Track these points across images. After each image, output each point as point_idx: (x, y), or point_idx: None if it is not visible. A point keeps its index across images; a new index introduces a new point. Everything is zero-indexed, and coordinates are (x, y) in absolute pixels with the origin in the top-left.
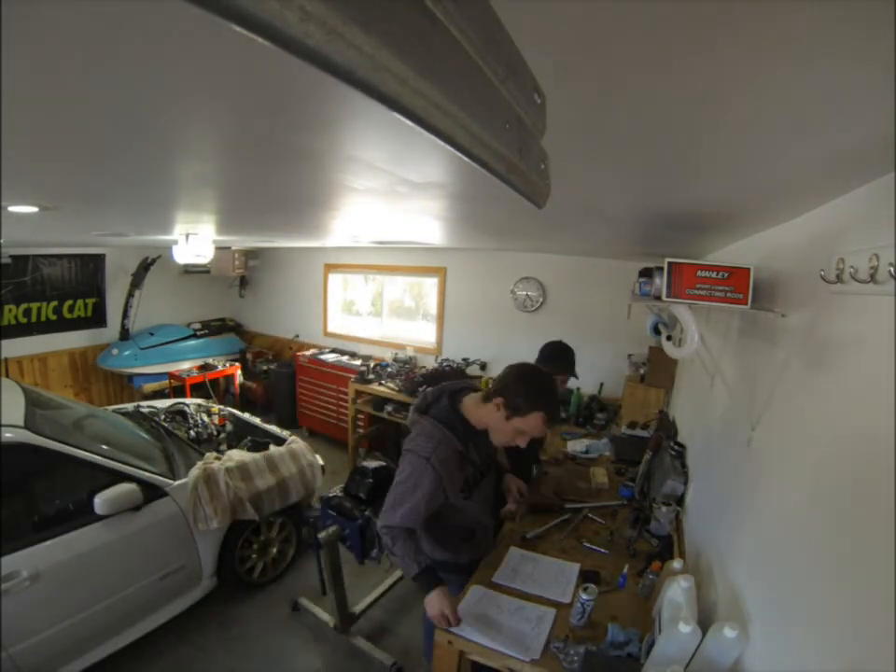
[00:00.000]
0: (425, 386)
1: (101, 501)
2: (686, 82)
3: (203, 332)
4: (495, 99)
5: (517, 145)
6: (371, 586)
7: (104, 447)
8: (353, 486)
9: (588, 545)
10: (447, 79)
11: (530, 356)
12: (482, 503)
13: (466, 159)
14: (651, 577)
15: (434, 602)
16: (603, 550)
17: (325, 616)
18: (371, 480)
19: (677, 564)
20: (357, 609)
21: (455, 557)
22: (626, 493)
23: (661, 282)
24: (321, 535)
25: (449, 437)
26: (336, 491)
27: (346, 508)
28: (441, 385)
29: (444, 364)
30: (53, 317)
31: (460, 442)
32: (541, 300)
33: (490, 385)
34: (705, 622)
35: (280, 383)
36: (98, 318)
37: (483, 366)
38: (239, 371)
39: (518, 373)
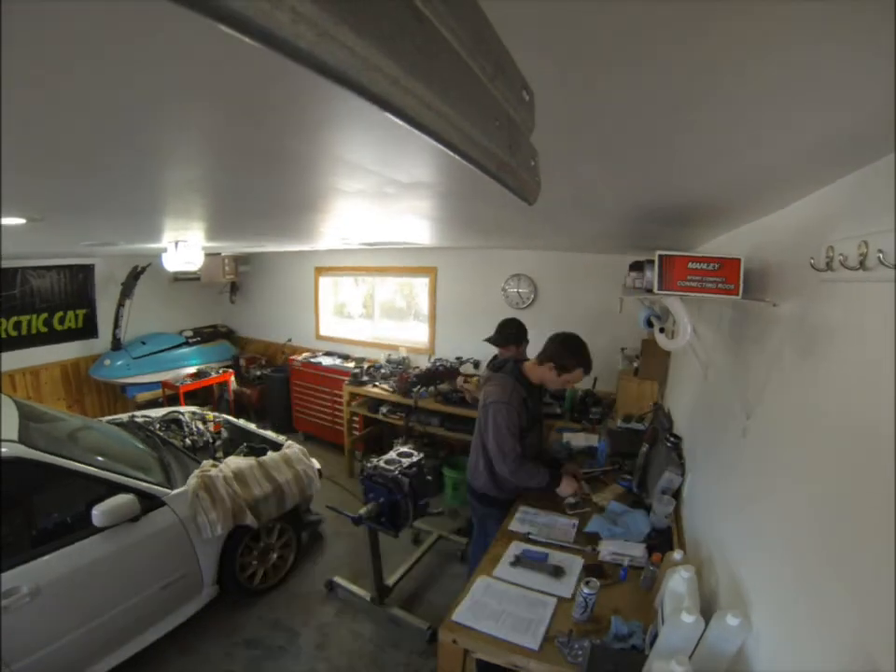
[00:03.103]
0: (419, 387)
1: (99, 513)
2: (671, 75)
3: (195, 340)
4: (484, 97)
5: (507, 142)
6: (398, 562)
7: (99, 459)
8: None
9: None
10: (437, 78)
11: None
12: (531, 449)
13: (456, 157)
14: (651, 569)
15: (567, 485)
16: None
17: (361, 592)
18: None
19: (677, 555)
20: (390, 581)
21: (505, 493)
22: (625, 484)
23: (652, 275)
24: (362, 511)
25: (518, 385)
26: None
27: (390, 476)
28: (505, 357)
29: (438, 364)
30: (44, 329)
31: (524, 389)
32: (532, 296)
33: (540, 351)
34: (707, 611)
35: (274, 388)
36: (89, 329)
37: (477, 364)
38: (233, 378)
39: (562, 343)
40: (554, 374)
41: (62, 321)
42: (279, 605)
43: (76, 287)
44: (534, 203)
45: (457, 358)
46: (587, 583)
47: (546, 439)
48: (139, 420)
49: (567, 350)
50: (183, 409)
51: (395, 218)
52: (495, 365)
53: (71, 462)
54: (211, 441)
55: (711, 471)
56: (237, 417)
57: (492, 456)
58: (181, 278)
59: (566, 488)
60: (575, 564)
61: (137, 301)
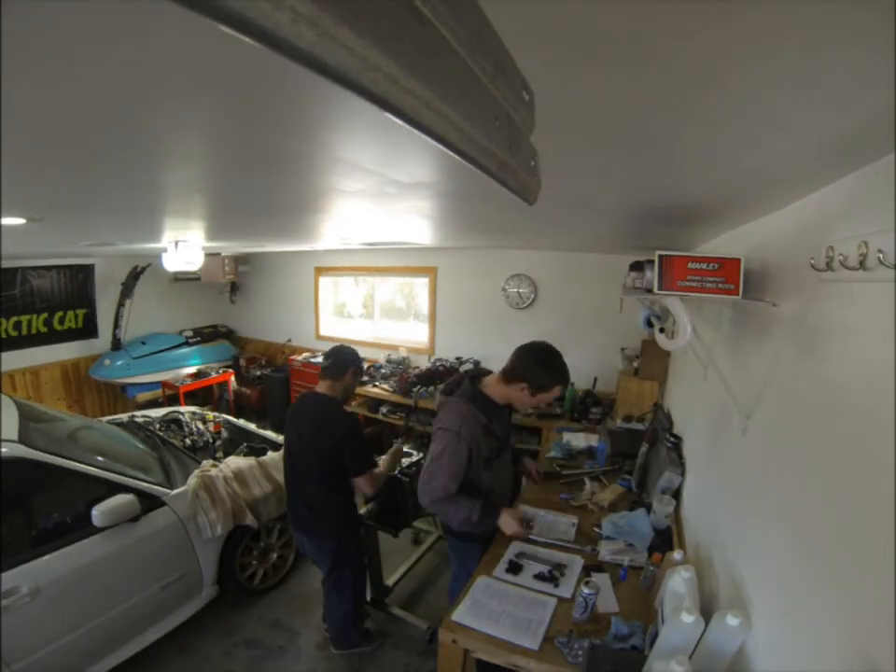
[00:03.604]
0: (419, 387)
1: (99, 513)
2: (671, 76)
3: (195, 340)
4: (484, 97)
5: (507, 142)
6: (398, 562)
7: (99, 459)
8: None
9: (597, 530)
10: (437, 78)
11: None
12: (500, 475)
13: (457, 157)
14: (651, 569)
15: (508, 521)
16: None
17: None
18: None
19: (677, 555)
20: (390, 581)
21: (475, 527)
22: (625, 484)
23: (652, 275)
24: (362, 511)
25: (475, 410)
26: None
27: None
28: (460, 373)
29: (437, 364)
30: (44, 329)
31: (484, 416)
32: (532, 296)
33: (507, 367)
34: (707, 611)
35: (274, 388)
36: (89, 329)
37: (477, 364)
38: (233, 378)
39: (536, 358)
40: (527, 395)
41: (62, 321)
42: (279, 605)
43: (76, 286)
44: (534, 203)
45: (457, 358)
46: (587, 583)
47: (519, 461)
48: (139, 420)
49: (543, 366)
50: (183, 409)
51: (395, 218)
52: (448, 387)
53: (71, 462)
54: (211, 440)
55: (711, 471)
56: (237, 417)
57: (419, 482)
58: (181, 278)
59: (506, 524)
60: (575, 564)
61: (137, 300)
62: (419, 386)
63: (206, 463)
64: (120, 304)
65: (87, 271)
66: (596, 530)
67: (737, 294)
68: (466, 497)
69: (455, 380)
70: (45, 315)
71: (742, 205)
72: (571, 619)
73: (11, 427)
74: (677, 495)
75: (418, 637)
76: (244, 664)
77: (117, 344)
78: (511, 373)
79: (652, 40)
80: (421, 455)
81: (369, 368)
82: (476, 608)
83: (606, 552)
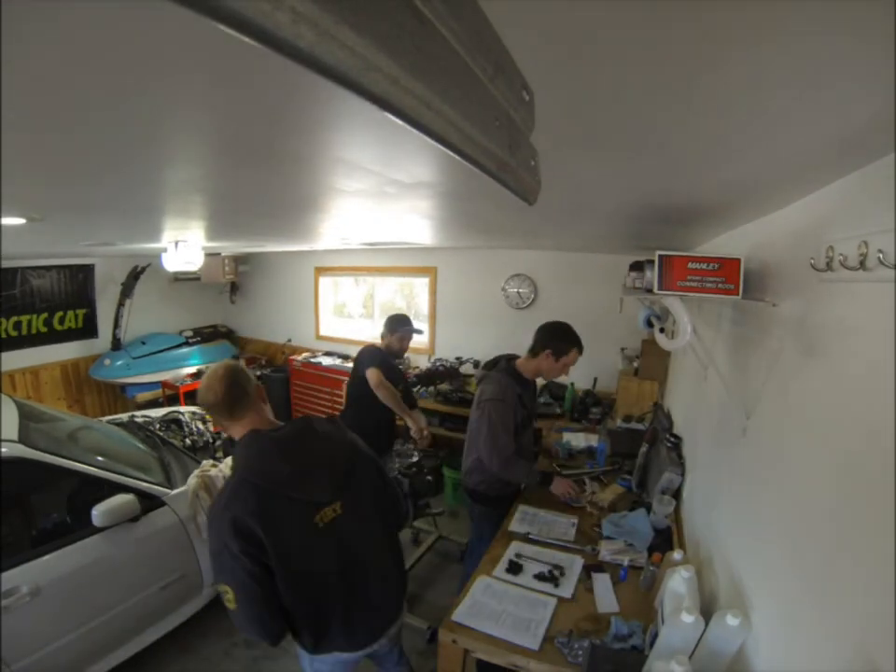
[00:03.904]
0: (419, 387)
1: (99, 513)
2: (671, 75)
3: (195, 340)
4: (484, 97)
5: (507, 142)
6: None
7: (99, 459)
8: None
9: (597, 530)
10: (437, 78)
11: (522, 352)
12: (525, 446)
13: (457, 157)
14: (651, 569)
15: (560, 485)
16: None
17: None
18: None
19: (677, 555)
20: None
21: (497, 490)
22: (625, 484)
23: (652, 275)
24: None
25: (512, 382)
26: None
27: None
28: (496, 357)
29: (438, 364)
30: (44, 329)
31: (519, 388)
32: (532, 296)
33: (532, 345)
34: (707, 611)
35: (274, 388)
36: (89, 329)
37: (477, 364)
38: None
39: (553, 330)
40: (552, 361)
41: (62, 321)
42: None
43: (76, 287)
44: (534, 202)
45: (457, 358)
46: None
47: (539, 440)
48: (139, 420)
49: (559, 335)
50: (183, 409)
51: (395, 218)
52: (487, 364)
53: (71, 462)
54: (211, 440)
55: (711, 471)
56: None
57: (481, 454)
58: (181, 278)
59: (557, 486)
60: (575, 564)
61: (137, 300)
62: (419, 386)
63: (206, 463)
64: (120, 304)
65: (87, 271)
66: (596, 530)
67: (737, 294)
68: (524, 460)
69: (492, 360)
70: (45, 315)
71: (742, 205)
72: (572, 618)
73: (11, 427)
74: (677, 495)
75: (418, 638)
76: (244, 664)
77: (117, 344)
78: (537, 347)
79: (652, 40)
80: (421, 454)
81: None
82: (476, 608)
83: (606, 552)
